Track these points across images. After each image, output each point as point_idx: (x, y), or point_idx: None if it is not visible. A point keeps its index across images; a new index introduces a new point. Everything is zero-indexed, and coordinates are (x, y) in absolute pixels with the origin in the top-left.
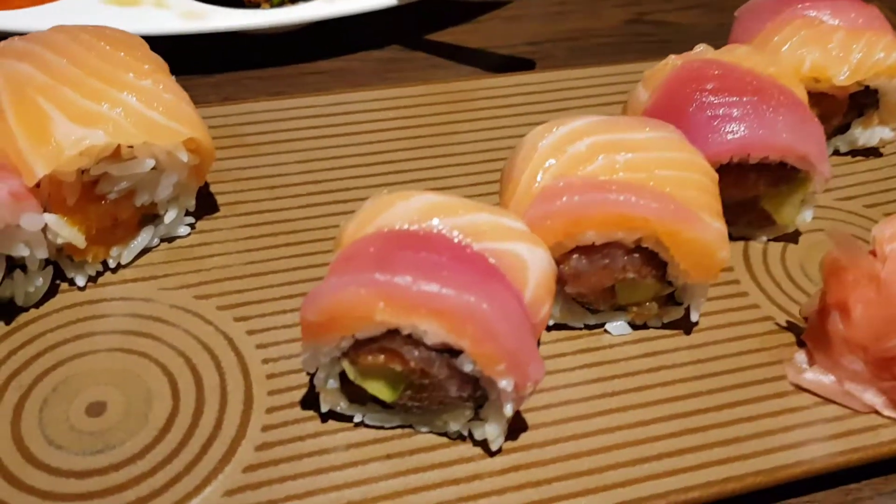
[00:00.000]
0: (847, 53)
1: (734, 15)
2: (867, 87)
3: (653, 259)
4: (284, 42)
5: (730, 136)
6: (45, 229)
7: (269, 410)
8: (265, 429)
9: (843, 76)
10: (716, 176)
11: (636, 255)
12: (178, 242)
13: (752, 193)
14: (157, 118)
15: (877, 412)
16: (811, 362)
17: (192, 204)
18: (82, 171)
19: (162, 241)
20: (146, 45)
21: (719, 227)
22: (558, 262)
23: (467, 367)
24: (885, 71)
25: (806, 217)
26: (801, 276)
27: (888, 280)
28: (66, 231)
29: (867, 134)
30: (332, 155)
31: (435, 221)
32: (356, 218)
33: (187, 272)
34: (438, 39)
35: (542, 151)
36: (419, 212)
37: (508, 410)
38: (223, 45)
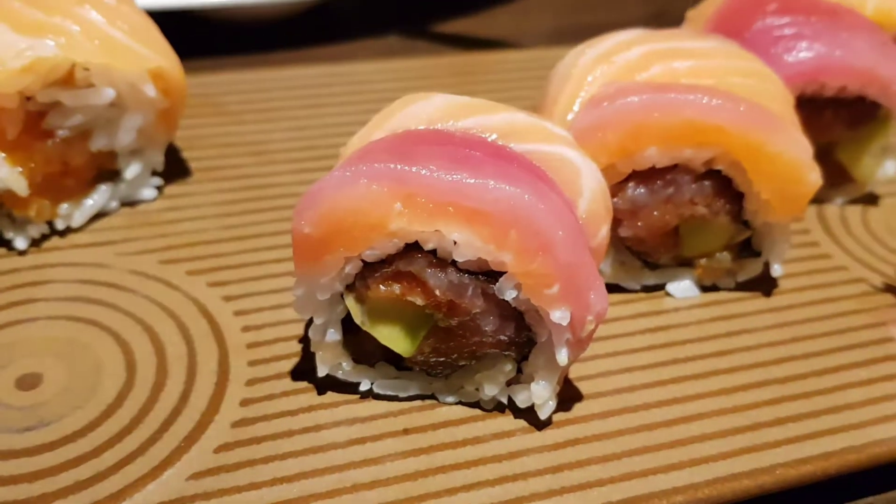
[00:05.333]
0: None
1: None
2: None
3: (727, 189)
4: (277, 31)
5: (804, 56)
6: None
7: (251, 383)
8: (245, 403)
9: None
10: (791, 96)
11: (707, 182)
12: (142, 207)
13: (827, 138)
14: (120, 38)
15: None
16: None
17: (159, 162)
18: (27, 98)
19: (123, 205)
20: None
21: (807, 144)
22: (610, 195)
23: (509, 295)
24: None
25: (888, 170)
26: (889, 238)
27: None
28: (5, 171)
29: None
30: (326, 123)
31: (462, 121)
32: (365, 127)
33: (152, 237)
34: (441, 30)
35: (583, 66)
36: (442, 111)
37: (563, 358)
38: (206, 33)
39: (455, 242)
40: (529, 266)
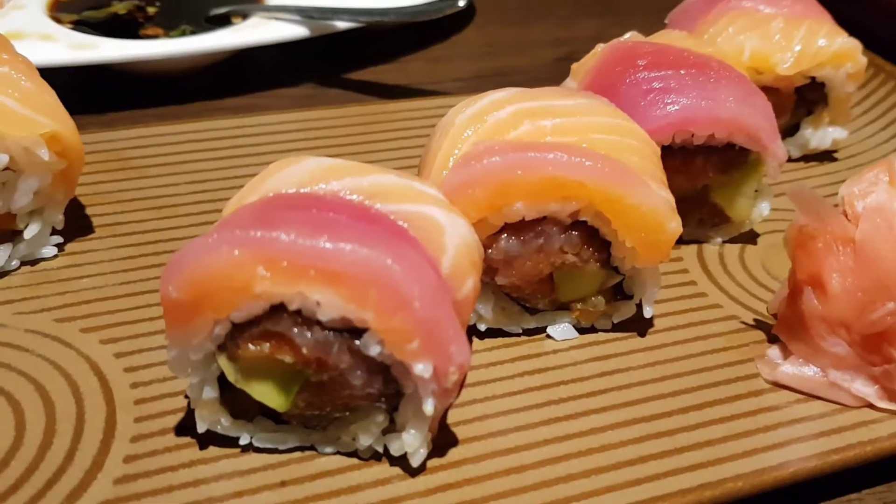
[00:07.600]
0: (788, 41)
1: (665, 22)
2: (813, 80)
3: (594, 238)
4: (190, 81)
5: (670, 109)
6: None
7: (135, 439)
8: (128, 459)
9: (786, 64)
10: (657, 147)
11: (574, 232)
12: (42, 265)
13: (701, 182)
14: (10, 105)
15: (870, 406)
16: (786, 355)
17: (59, 221)
18: None
19: (23, 263)
20: (10, 44)
21: (667, 195)
22: (485, 246)
23: (373, 350)
24: (830, 59)
25: (763, 210)
26: (764, 275)
27: (864, 241)
28: None
29: (819, 135)
30: (231, 175)
31: (332, 183)
32: (241, 190)
33: (50, 295)
34: (356, 78)
35: (459, 124)
36: (312, 174)
37: (429, 408)
38: (122, 86)
39: (318, 303)
40: (389, 323)
